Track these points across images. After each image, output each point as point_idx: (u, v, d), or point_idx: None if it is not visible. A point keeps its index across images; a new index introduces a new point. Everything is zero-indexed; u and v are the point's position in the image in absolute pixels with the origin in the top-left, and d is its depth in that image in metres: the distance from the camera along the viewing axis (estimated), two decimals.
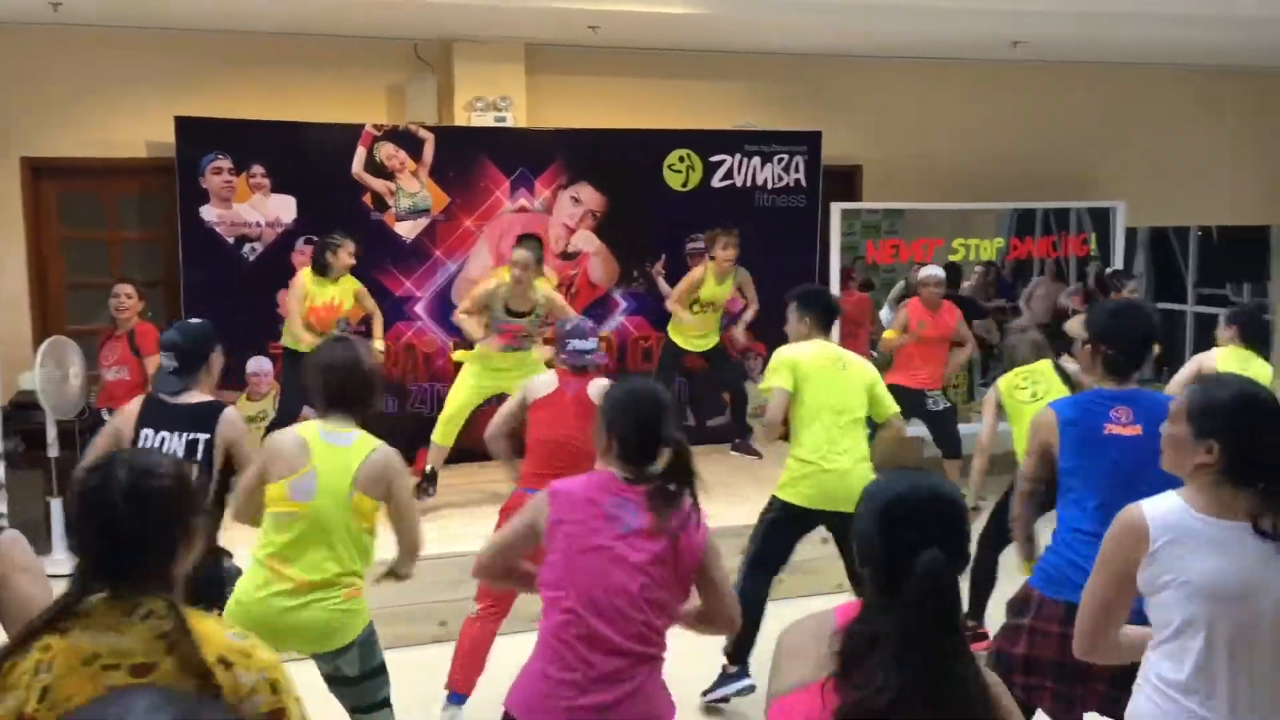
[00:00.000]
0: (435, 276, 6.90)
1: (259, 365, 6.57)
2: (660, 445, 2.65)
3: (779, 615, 5.29)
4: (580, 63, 7.33)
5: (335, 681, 3.20)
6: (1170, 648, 2.22)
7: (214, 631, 1.80)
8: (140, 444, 3.51)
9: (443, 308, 6.94)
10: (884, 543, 1.78)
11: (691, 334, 6.92)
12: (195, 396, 3.64)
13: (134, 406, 3.66)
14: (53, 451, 5.94)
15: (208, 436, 3.55)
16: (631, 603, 2.53)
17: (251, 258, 6.57)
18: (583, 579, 2.53)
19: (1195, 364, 5.25)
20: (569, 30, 6.78)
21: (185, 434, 3.55)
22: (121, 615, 1.77)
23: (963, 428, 6.81)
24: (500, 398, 5.83)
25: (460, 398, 5.92)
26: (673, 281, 7.20)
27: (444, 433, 5.96)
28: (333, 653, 3.12)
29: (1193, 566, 2.17)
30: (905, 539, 1.74)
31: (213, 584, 3.59)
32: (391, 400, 6.78)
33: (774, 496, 4.38)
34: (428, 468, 6.04)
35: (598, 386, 4.19)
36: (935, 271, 6.82)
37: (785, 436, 4.48)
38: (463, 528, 5.52)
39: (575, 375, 4.26)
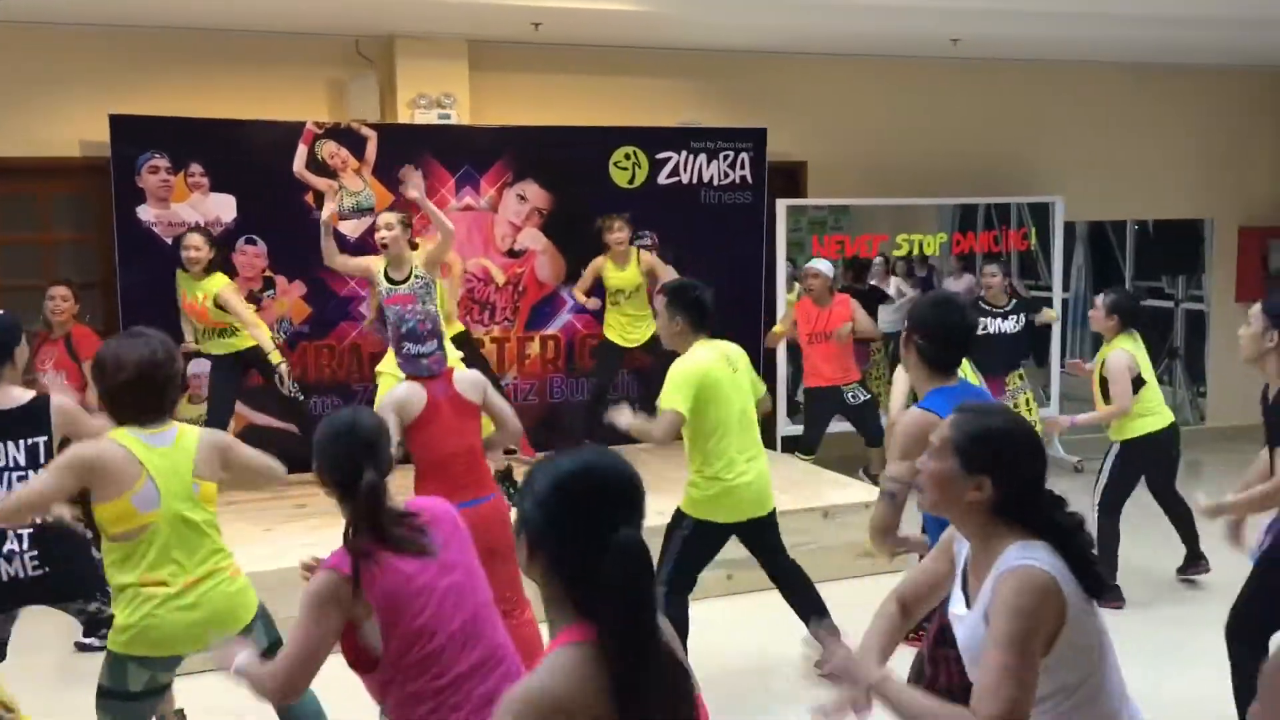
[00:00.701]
0: None
1: (199, 368, 6.45)
2: (359, 479, 2.49)
3: (750, 611, 5.26)
4: (524, 60, 7.30)
5: None
6: (1075, 704, 2.08)
7: None
8: None
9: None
10: (566, 526, 1.61)
11: (625, 328, 6.89)
12: (15, 394, 3.55)
13: None
14: None
15: (45, 438, 3.52)
16: (480, 616, 2.55)
17: None
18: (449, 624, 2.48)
19: (1126, 371, 5.24)
20: (512, 27, 6.75)
21: (21, 441, 3.49)
22: None
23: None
24: None
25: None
26: None
27: None
28: (239, 635, 3.08)
29: (1081, 607, 2.05)
30: (590, 519, 1.59)
31: (87, 564, 3.58)
32: (338, 400, 6.71)
33: (686, 515, 4.25)
34: None
35: (466, 379, 4.04)
36: (815, 264, 6.91)
37: None
38: None
39: (431, 379, 3.95)
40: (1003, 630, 1.95)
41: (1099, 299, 5.44)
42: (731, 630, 5.00)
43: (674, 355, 4.15)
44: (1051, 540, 2.03)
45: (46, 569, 3.50)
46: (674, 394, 4.07)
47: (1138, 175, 8.88)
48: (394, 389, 3.99)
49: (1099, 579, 2.07)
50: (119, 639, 3.00)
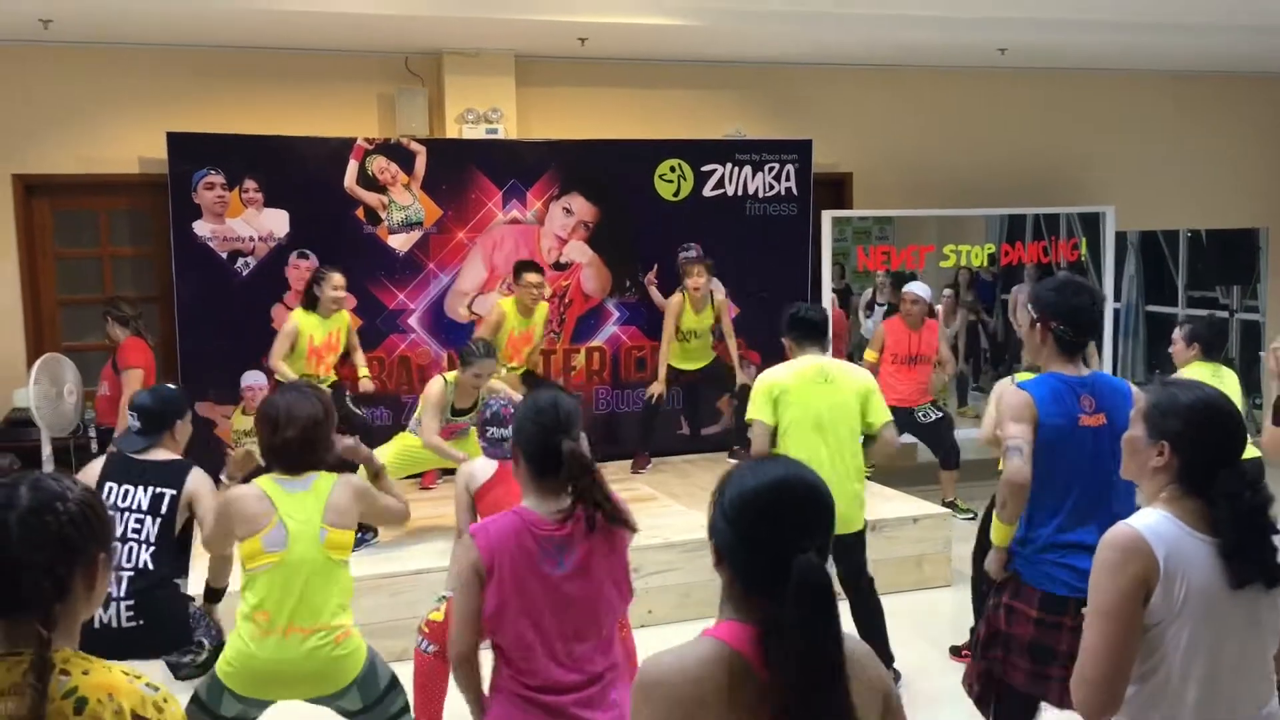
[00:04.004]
0: (428, 289, 6.93)
1: (254, 379, 6.57)
2: (559, 453, 2.52)
3: None
4: (570, 74, 7.37)
5: (342, 713, 3.21)
6: (1159, 684, 2.05)
7: (123, 684, 1.62)
8: (104, 498, 3.45)
9: (436, 320, 6.96)
10: (747, 542, 1.61)
11: (685, 359, 6.98)
12: (163, 454, 3.70)
13: (96, 464, 3.71)
14: (47, 468, 5.96)
15: (174, 492, 3.61)
16: (578, 633, 2.52)
17: (245, 272, 6.58)
18: (528, 625, 2.48)
19: None
20: (558, 42, 6.82)
21: (151, 488, 3.59)
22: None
23: (961, 434, 6.83)
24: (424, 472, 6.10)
25: (384, 461, 5.58)
26: (665, 290, 7.27)
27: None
28: (332, 695, 3.11)
29: (1197, 584, 2.00)
30: (772, 539, 1.58)
31: (179, 623, 3.61)
32: (386, 412, 6.80)
33: None
34: None
35: None
36: (916, 289, 6.75)
37: None
38: (451, 542, 5.51)
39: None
40: (1090, 589, 2.05)
41: (1176, 331, 5.37)
42: None
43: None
44: (1222, 522, 2.03)
45: (140, 622, 3.48)
46: (751, 406, 4.30)
47: (1190, 184, 8.75)
48: (470, 463, 4.13)
49: (1245, 570, 2.00)
50: (225, 667, 3.07)
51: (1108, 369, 7.98)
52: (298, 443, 3.09)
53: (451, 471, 6.12)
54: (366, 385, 6.27)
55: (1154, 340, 10.04)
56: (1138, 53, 7.80)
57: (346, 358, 6.31)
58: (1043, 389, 3.05)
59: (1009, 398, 3.09)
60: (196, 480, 3.65)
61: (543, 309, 6.64)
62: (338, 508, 3.11)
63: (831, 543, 1.65)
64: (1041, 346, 3.12)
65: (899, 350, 6.78)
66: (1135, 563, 2.00)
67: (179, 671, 3.64)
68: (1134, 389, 3.13)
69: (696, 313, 6.86)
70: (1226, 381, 5.18)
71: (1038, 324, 3.11)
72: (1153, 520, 2.05)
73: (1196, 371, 5.17)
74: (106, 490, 3.59)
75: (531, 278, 6.42)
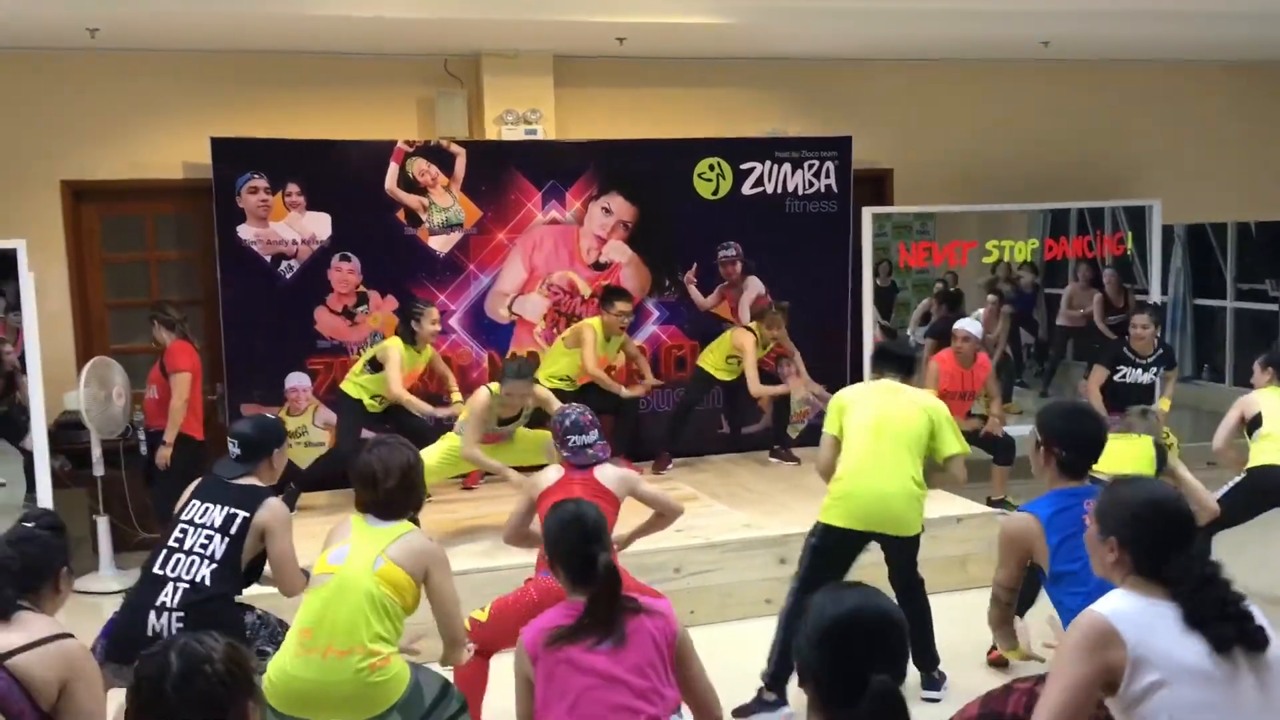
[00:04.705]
0: (469, 290, 6.96)
1: (298, 380, 6.65)
2: (595, 564, 2.70)
3: None
4: (608, 74, 7.37)
5: None
6: None
7: None
8: (186, 512, 3.67)
9: (477, 321, 7.00)
10: (827, 665, 1.78)
11: (723, 370, 7.02)
12: (252, 481, 3.77)
13: (194, 485, 3.83)
14: (98, 470, 6.06)
15: (247, 515, 3.65)
16: (633, 710, 2.60)
17: (289, 275, 6.64)
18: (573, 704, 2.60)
19: (1238, 408, 5.40)
20: (596, 42, 6.82)
21: (227, 508, 3.65)
22: None
23: (1013, 429, 6.75)
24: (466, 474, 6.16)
25: (430, 462, 5.41)
26: (704, 289, 7.32)
27: None
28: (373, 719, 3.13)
29: (1174, 654, 2.07)
30: (849, 662, 1.75)
31: (235, 635, 3.65)
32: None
33: (816, 519, 4.32)
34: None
35: (611, 471, 4.12)
36: (968, 326, 6.66)
37: None
38: (500, 543, 5.53)
39: (592, 465, 4.12)
40: (1054, 659, 2.15)
41: (1258, 361, 5.57)
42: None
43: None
44: (1180, 597, 2.12)
45: None
46: (826, 421, 4.44)
47: (1239, 175, 8.59)
48: (537, 474, 4.19)
49: (1216, 635, 2.07)
50: (267, 684, 3.11)
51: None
52: (398, 490, 3.22)
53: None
54: (455, 407, 6.10)
55: (1201, 334, 9.89)
56: (1183, 43, 7.67)
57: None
58: (1044, 504, 3.19)
59: (1005, 528, 3.24)
60: (271, 509, 3.66)
61: (623, 337, 6.80)
62: (405, 547, 3.17)
63: (906, 651, 1.83)
64: (1045, 468, 3.29)
65: (952, 388, 6.62)
66: (1099, 650, 2.08)
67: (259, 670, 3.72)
68: None
69: (762, 346, 7.03)
70: None
71: (1042, 448, 3.28)
72: (1116, 602, 2.15)
73: (1271, 396, 5.36)
74: (190, 506, 3.68)
75: (622, 306, 6.63)
